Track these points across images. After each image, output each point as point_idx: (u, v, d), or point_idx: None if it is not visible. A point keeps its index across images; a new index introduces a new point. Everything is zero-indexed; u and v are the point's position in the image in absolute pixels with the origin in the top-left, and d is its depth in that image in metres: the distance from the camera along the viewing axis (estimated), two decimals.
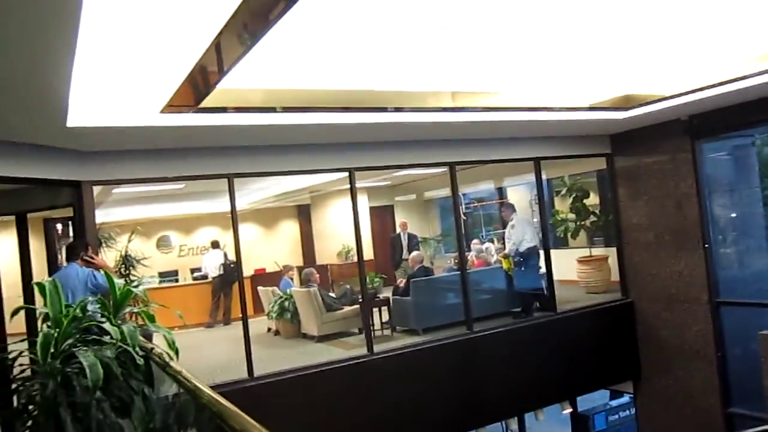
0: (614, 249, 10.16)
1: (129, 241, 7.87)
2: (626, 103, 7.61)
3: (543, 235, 9.68)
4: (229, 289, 11.78)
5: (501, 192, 15.24)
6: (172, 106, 4.93)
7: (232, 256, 11.87)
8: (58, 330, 2.83)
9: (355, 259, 11.92)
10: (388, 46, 4.99)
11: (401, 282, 9.67)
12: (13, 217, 8.23)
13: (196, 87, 4.71)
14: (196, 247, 15.46)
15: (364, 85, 5.94)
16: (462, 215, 15.52)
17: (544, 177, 9.98)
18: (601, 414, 12.18)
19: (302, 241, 16.74)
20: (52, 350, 2.80)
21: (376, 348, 7.97)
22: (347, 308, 9.51)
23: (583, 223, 10.93)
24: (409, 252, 11.51)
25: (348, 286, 10.18)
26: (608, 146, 9.84)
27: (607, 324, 9.56)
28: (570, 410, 10.34)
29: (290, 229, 16.97)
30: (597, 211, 11.25)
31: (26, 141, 5.72)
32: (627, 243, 9.84)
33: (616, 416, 12.25)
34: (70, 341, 2.87)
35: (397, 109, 6.38)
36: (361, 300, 8.60)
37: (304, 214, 16.57)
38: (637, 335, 9.70)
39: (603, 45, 5.67)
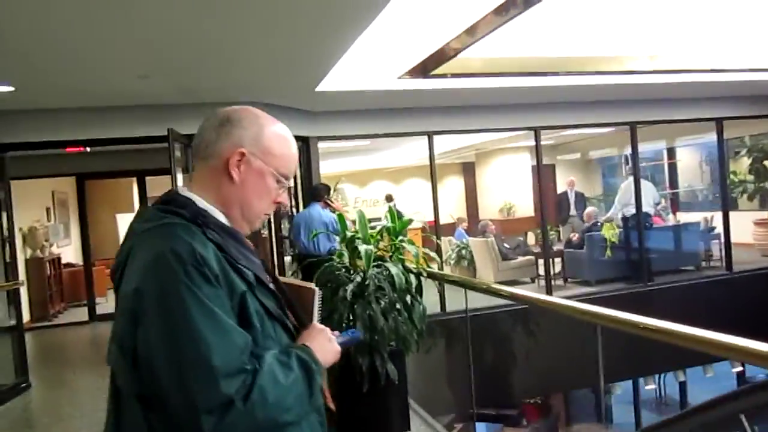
0: None
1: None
2: None
3: (722, 196, 9.76)
4: None
5: (670, 152, 15.07)
6: (404, 75, 5.83)
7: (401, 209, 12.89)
8: (373, 247, 3.80)
9: (515, 215, 12.46)
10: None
11: (575, 236, 10.18)
12: None
13: (425, 64, 5.55)
14: (370, 200, 16.67)
15: (548, 52, 6.44)
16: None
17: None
18: None
19: (466, 197, 17.50)
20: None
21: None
22: (521, 258, 10.22)
23: (762, 185, 10.78)
24: (576, 209, 11.93)
25: (521, 238, 10.86)
26: None
27: None
28: (740, 369, 10.41)
29: (455, 184, 17.74)
30: None
31: (274, 103, 6.89)
32: None
33: None
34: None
35: (580, 73, 6.87)
36: (535, 251, 9.28)
37: (468, 170, 17.30)
38: None
39: None
